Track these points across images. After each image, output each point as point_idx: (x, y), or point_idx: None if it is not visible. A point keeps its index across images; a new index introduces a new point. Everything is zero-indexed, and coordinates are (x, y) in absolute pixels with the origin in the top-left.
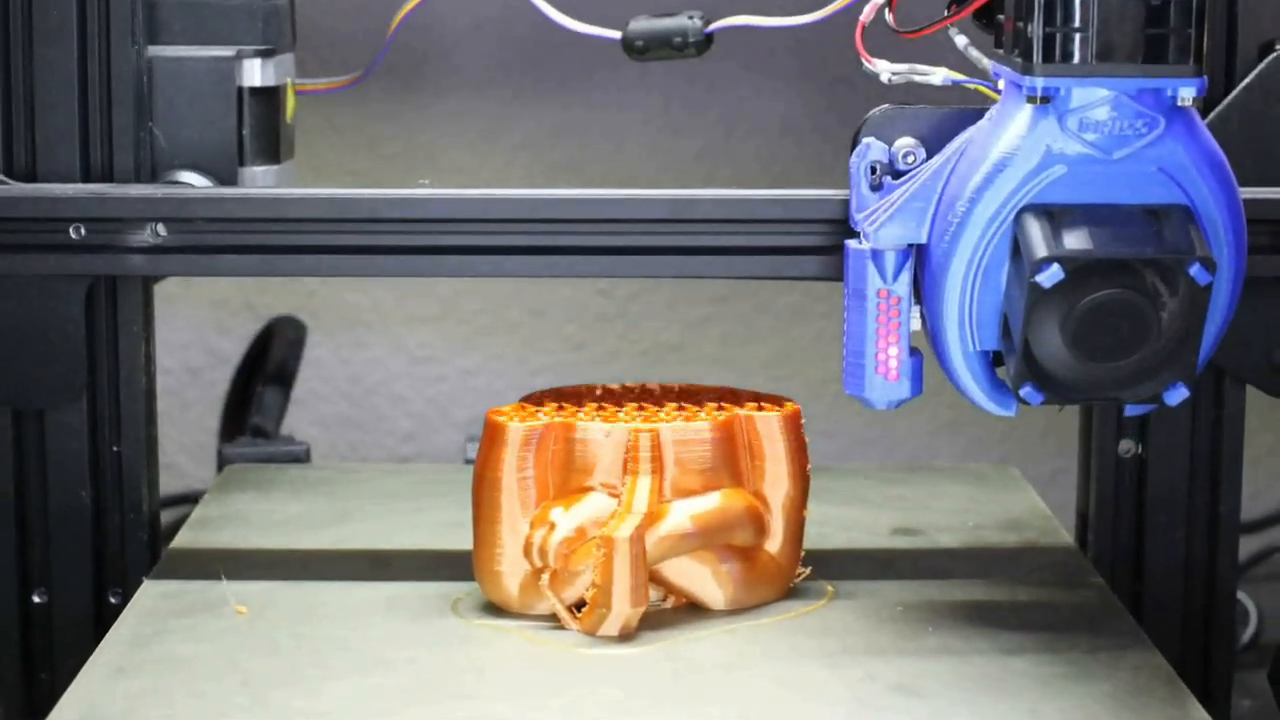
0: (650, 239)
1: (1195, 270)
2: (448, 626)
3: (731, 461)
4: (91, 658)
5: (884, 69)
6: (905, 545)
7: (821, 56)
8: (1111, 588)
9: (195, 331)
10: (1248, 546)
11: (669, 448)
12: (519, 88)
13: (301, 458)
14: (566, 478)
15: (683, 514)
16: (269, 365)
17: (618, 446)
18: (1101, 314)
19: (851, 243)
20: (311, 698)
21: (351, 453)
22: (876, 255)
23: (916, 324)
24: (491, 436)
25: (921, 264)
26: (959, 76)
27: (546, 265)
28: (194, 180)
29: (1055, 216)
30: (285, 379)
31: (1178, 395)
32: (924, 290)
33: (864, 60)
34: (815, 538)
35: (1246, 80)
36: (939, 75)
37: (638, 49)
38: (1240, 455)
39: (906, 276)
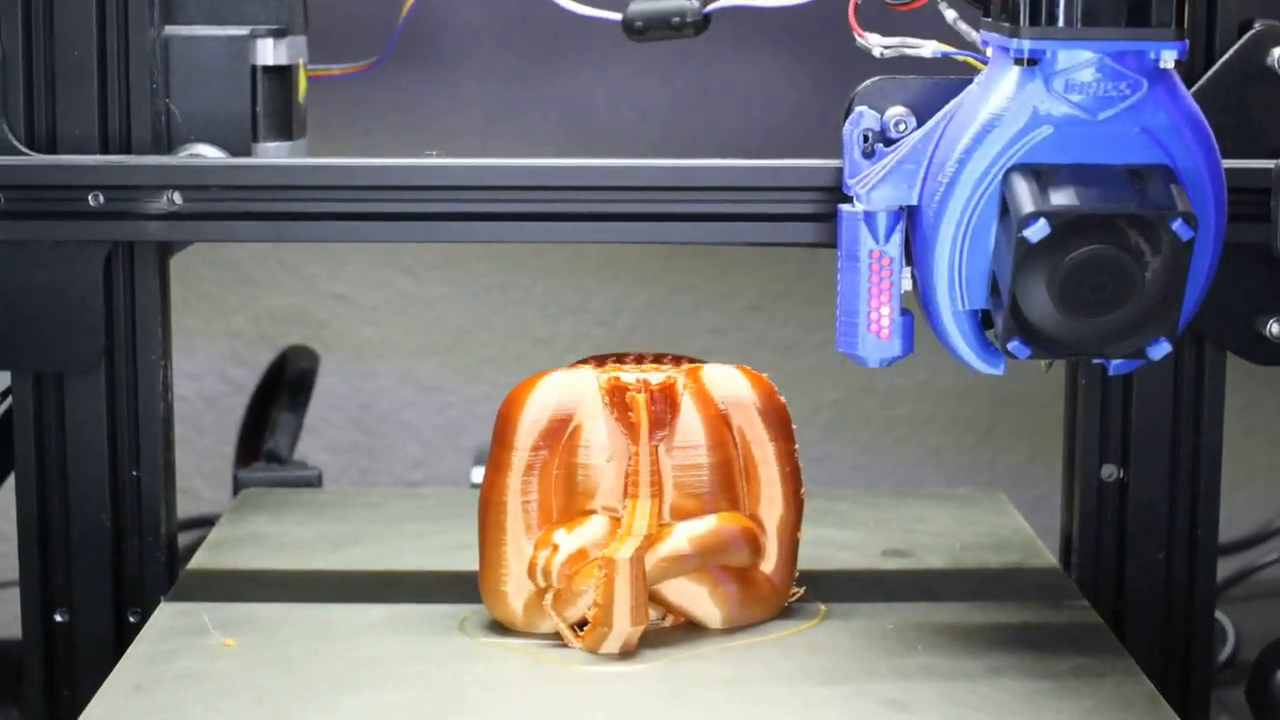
0: (650, 206)
1: (1178, 225)
2: (455, 644)
3: (728, 486)
4: (111, 675)
5: (876, 43)
6: (895, 567)
7: (816, 33)
8: (1094, 608)
9: (212, 362)
10: (1225, 568)
11: (668, 473)
12: (523, 69)
13: (314, 482)
14: (569, 501)
15: (681, 536)
16: (283, 393)
17: (618, 471)
18: (1087, 269)
19: (845, 207)
20: (325, 713)
21: (362, 478)
22: (869, 217)
23: (908, 284)
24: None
25: (913, 225)
26: (948, 49)
27: (547, 231)
28: (209, 153)
29: (1042, 175)
30: (298, 406)
31: (1160, 350)
32: (915, 251)
33: (857, 35)
34: (809, 559)
35: (1225, 56)
36: (929, 48)
37: (637, 30)
38: (1218, 481)
39: (898, 238)
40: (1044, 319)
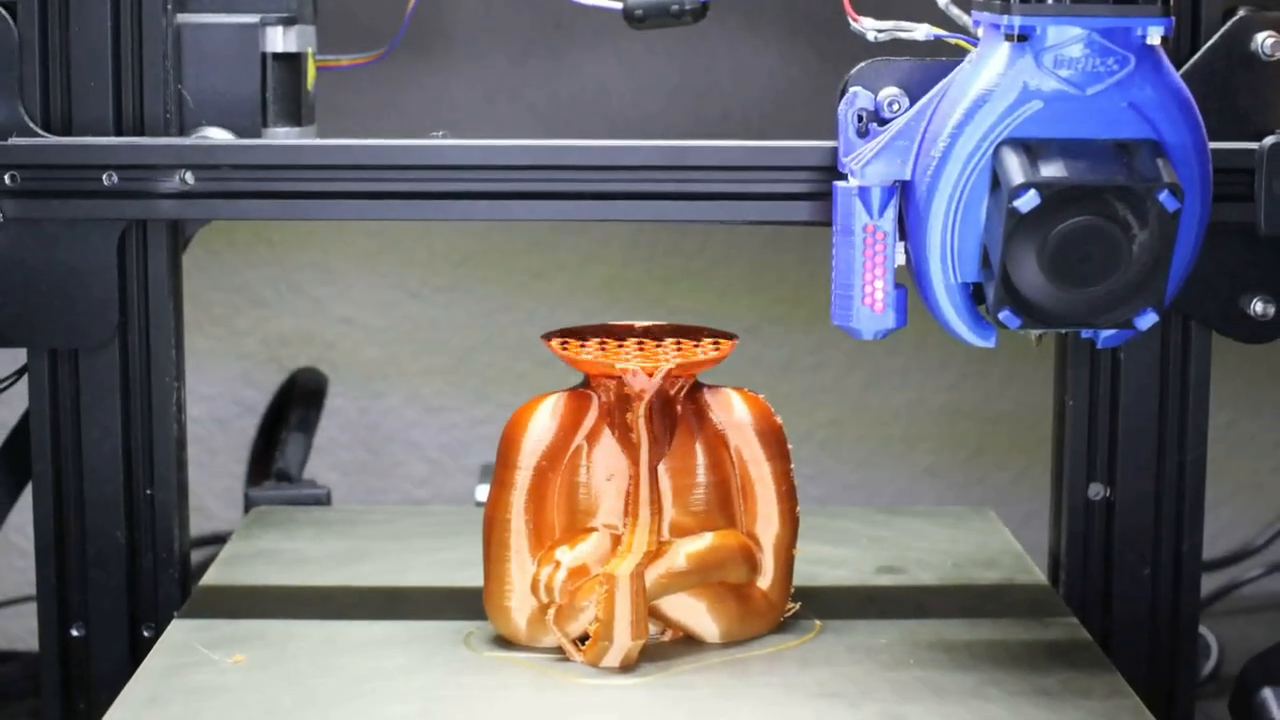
0: (651, 185)
1: (1164, 197)
2: (460, 658)
3: (726, 504)
4: (126, 688)
5: (869, 27)
6: (888, 583)
7: (812, 18)
8: (1082, 623)
9: (223, 384)
10: (1209, 583)
11: (667, 491)
12: (527, 57)
13: (323, 500)
14: (571, 519)
15: (680, 553)
16: (292, 414)
17: (619, 490)
18: (1076, 240)
19: (840, 183)
20: None
21: (370, 496)
22: (863, 192)
23: (901, 259)
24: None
25: (906, 200)
26: (940, 31)
27: (549, 209)
28: (220, 136)
29: (1032, 149)
30: (307, 427)
31: (1147, 321)
32: (908, 225)
33: (851, 19)
34: (804, 576)
35: (1210, 42)
36: (921, 31)
37: (637, 18)
38: (1202, 499)
39: (892, 212)
40: (1034, 289)
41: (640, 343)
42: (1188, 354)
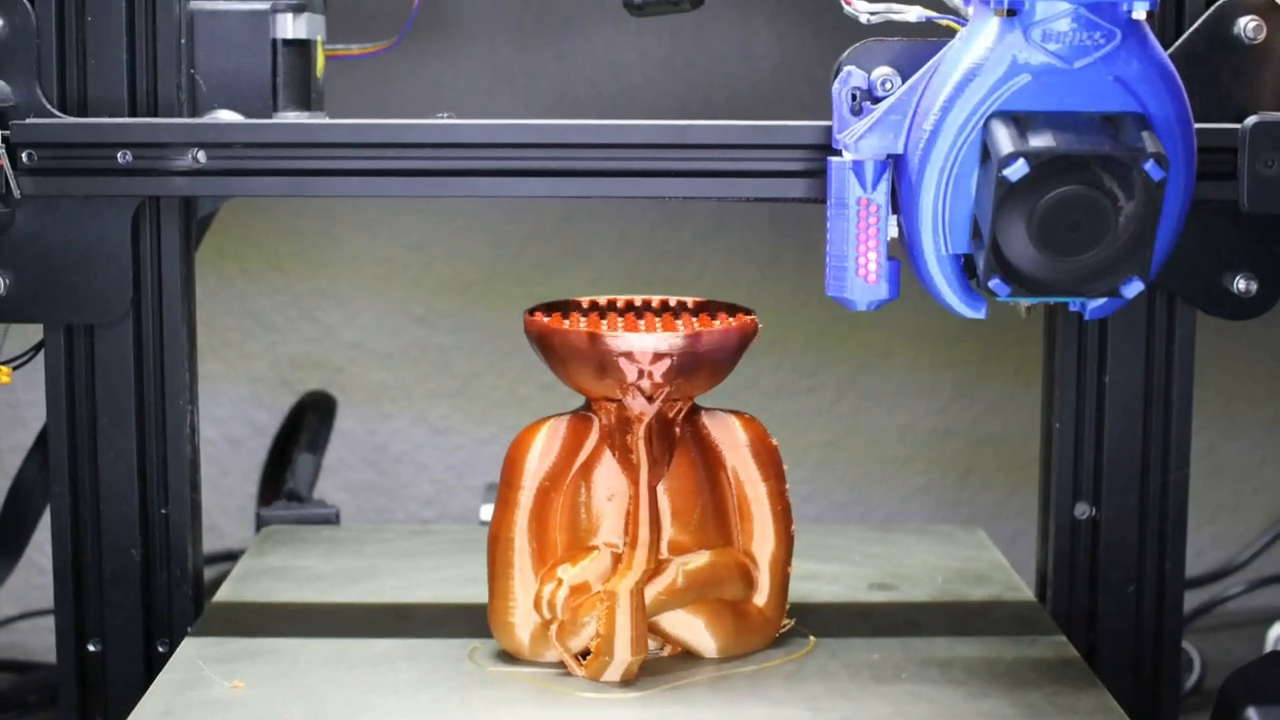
0: (650, 163)
1: (1149, 166)
2: (465, 673)
3: (723, 523)
4: (141, 702)
5: (862, 9)
6: (881, 600)
7: (805, 3)
8: (1068, 638)
9: (235, 406)
10: (1192, 600)
11: (666, 510)
12: (529, 42)
13: (332, 520)
14: (573, 537)
15: (678, 571)
16: (302, 436)
17: (619, 509)
18: (1063, 209)
19: (834, 158)
20: None
21: (377, 515)
22: (857, 166)
23: (894, 232)
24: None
25: (899, 174)
26: (931, 13)
27: (551, 186)
28: (231, 118)
29: (1021, 121)
30: (317, 448)
31: (1134, 289)
32: (901, 198)
33: (844, 3)
34: (799, 592)
35: (1194, 26)
36: (913, 13)
37: (637, 5)
38: (1185, 519)
39: (885, 186)
40: (1023, 258)
41: (641, 316)
42: (1171, 375)
